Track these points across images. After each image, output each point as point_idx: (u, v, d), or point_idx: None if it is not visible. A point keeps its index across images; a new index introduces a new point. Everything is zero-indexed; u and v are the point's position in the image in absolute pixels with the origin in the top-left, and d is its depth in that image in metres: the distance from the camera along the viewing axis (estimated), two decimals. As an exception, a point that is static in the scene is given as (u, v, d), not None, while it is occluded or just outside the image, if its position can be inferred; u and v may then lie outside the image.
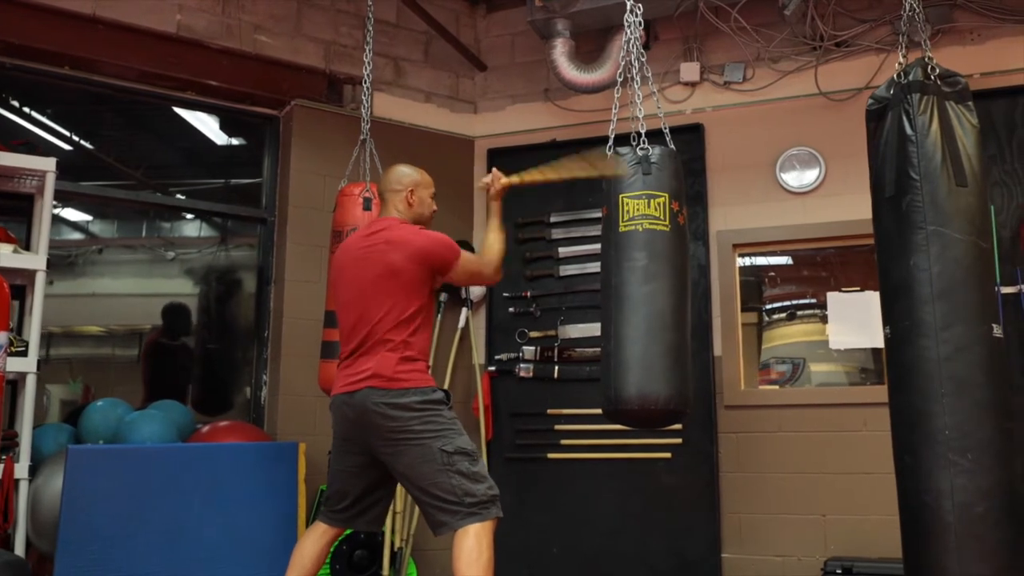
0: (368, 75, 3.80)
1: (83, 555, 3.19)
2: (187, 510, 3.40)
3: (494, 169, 3.28)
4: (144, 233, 5.87)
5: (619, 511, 4.36)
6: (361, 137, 3.77)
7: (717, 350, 4.34)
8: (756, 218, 4.39)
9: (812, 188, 4.32)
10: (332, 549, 3.88)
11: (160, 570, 3.30)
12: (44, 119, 4.44)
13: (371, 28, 3.78)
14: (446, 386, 4.59)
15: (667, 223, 2.93)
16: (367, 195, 3.49)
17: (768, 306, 4.60)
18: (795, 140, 4.36)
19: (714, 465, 4.24)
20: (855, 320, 4.19)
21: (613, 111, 3.19)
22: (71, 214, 5.43)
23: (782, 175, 4.36)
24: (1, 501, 3.27)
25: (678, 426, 4.29)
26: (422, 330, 2.89)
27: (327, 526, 2.88)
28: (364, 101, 3.77)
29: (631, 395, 2.82)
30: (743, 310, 4.47)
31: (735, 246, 4.42)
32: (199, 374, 5.04)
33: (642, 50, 3.21)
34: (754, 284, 4.62)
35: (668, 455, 4.31)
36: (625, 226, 2.94)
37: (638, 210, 2.94)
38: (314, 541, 2.85)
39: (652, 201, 2.94)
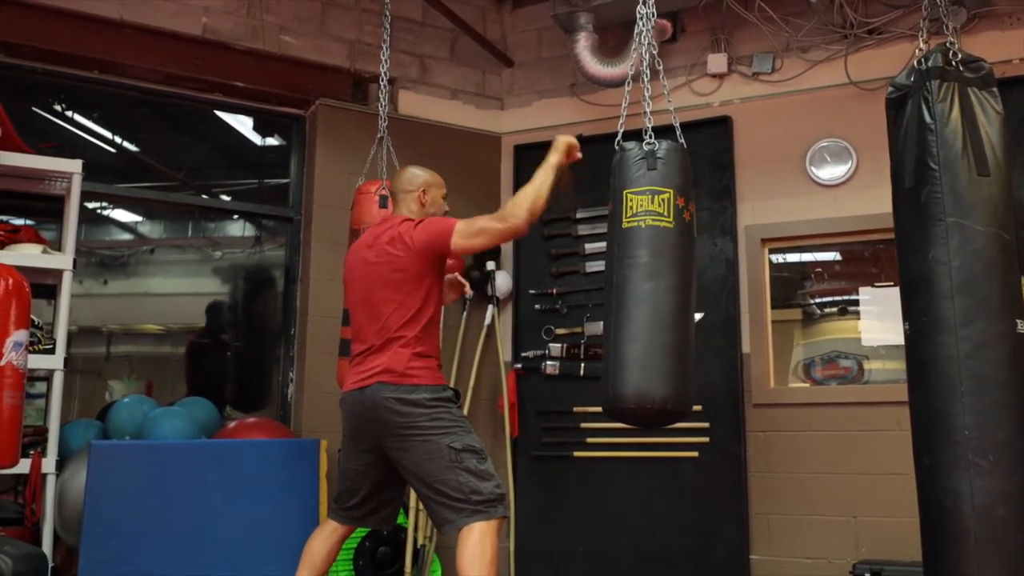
0: (385, 72, 3.80)
1: (106, 549, 3.26)
2: (208, 506, 3.45)
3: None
4: (190, 233, 6.01)
5: (645, 511, 4.30)
6: (379, 135, 3.77)
7: (745, 347, 4.25)
8: (785, 212, 4.29)
9: (843, 180, 4.20)
10: (355, 545, 3.93)
11: (181, 565, 3.36)
12: (79, 122, 4.56)
13: (388, 26, 3.78)
14: (471, 384, 4.59)
15: (671, 219, 2.86)
16: (383, 192, 3.50)
17: (813, 301, 4.48)
18: (826, 131, 4.25)
19: (742, 464, 4.15)
20: (889, 316, 4.06)
21: (623, 106, 3.13)
22: (122, 215, 5.58)
23: (812, 168, 4.25)
24: (29, 495, 3.36)
25: (705, 424, 4.23)
26: (432, 326, 2.88)
27: (337, 524, 2.89)
28: (381, 98, 3.77)
29: (628, 394, 2.76)
30: (778, 307, 4.38)
31: (764, 241, 4.33)
32: (234, 372, 5.14)
33: (654, 42, 3.15)
34: (788, 280, 4.52)
35: (695, 454, 4.24)
36: (628, 222, 2.88)
37: (641, 206, 2.87)
38: (324, 539, 2.87)
39: (656, 197, 2.87)
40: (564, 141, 3.02)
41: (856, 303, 4.25)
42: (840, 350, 4.28)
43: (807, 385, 4.27)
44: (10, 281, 2.75)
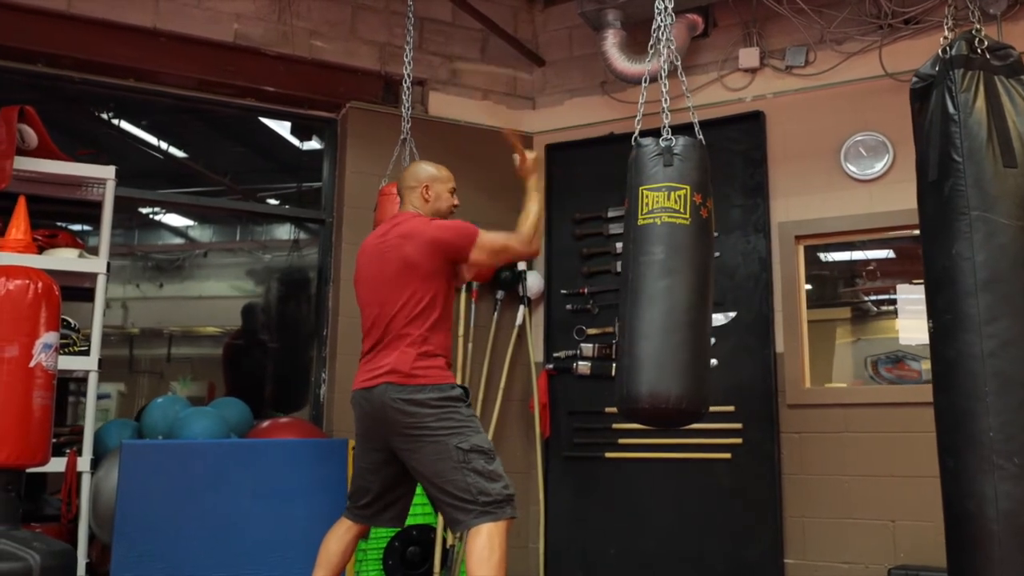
0: (408, 74, 3.82)
1: (137, 546, 3.32)
2: (236, 505, 3.49)
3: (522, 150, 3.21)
4: (238, 237, 6.14)
5: (678, 512, 4.25)
6: (401, 136, 3.79)
7: (779, 347, 4.16)
8: (820, 208, 4.19)
9: (880, 175, 4.08)
10: (384, 545, 3.95)
11: (210, 563, 3.41)
12: (117, 128, 4.68)
13: (411, 28, 3.79)
14: (502, 384, 4.58)
15: (687, 216, 2.82)
16: (403, 193, 3.50)
17: (853, 300, 4.38)
18: (861, 125, 4.14)
19: (776, 466, 4.07)
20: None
21: (640, 102, 3.10)
22: (174, 220, 5.73)
23: (847, 163, 4.14)
24: (65, 493, 3.46)
25: (738, 425, 4.16)
26: (441, 324, 2.87)
27: (351, 523, 2.91)
28: (404, 100, 3.78)
29: (642, 393, 2.72)
30: (815, 306, 4.29)
31: (798, 238, 4.23)
32: (272, 373, 5.22)
33: (672, 38, 3.11)
34: (827, 278, 4.43)
35: (728, 455, 4.16)
36: (643, 219, 2.85)
37: (657, 203, 2.84)
38: (339, 538, 2.89)
39: (672, 193, 2.83)
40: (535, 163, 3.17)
41: (894, 301, 4.13)
42: (891, 349, 4.17)
43: (843, 385, 4.17)
44: (39, 285, 2.82)
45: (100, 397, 5.30)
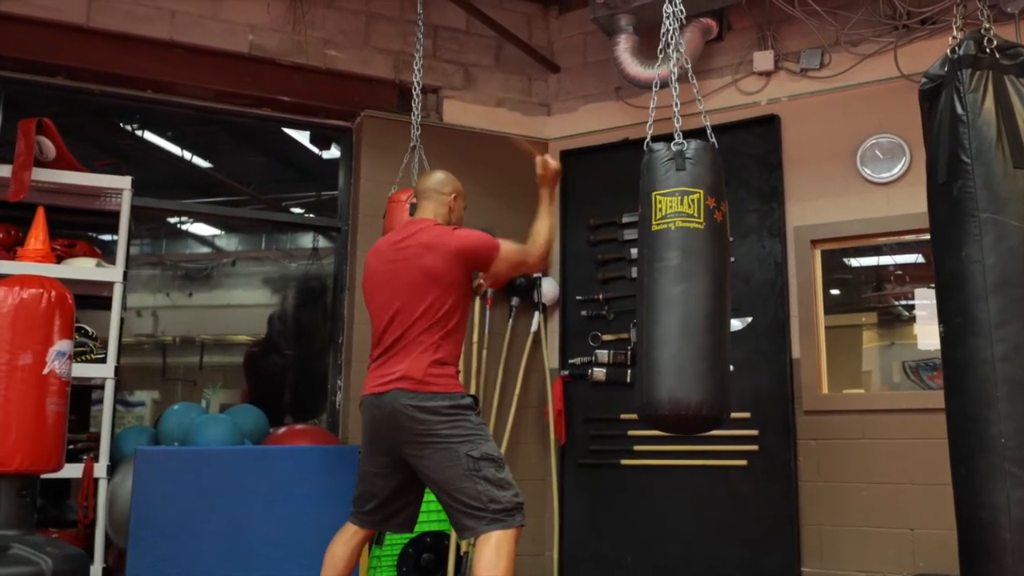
0: (418, 81, 3.83)
1: (152, 552, 3.35)
2: (249, 510, 3.51)
3: (547, 157, 3.22)
4: (263, 246, 6.21)
5: (694, 520, 4.21)
6: (412, 143, 3.80)
7: (795, 352, 4.11)
8: (836, 212, 4.14)
9: (897, 178, 4.02)
10: (398, 552, 3.96)
11: (223, 566, 3.43)
12: (137, 139, 4.76)
13: (420, 36, 3.81)
14: (517, 391, 4.57)
15: (702, 220, 2.80)
16: (413, 201, 3.51)
17: (873, 305, 4.34)
18: (877, 127, 4.09)
19: (792, 473, 4.02)
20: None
21: (651, 107, 3.09)
22: (203, 229, 5.80)
23: (863, 165, 4.09)
24: (82, 499, 3.50)
25: (754, 432, 4.12)
26: (455, 333, 2.87)
27: (357, 527, 2.91)
28: (414, 107, 3.80)
29: (662, 400, 2.71)
30: (834, 311, 4.24)
31: (814, 242, 4.18)
32: (290, 380, 5.26)
33: (681, 41, 3.10)
34: (848, 281, 4.38)
35: (744, 462, 4.12)
36: (657, 225, 2.84)
37: (671, 207, 2.83)
38: (345, 542, 2.89)
39: (686, 198, 2.82)
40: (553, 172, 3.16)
41: (913, 306, 4.08)
42: (913, 355, 4.11)
43: (861, 391, 4.11)
44: (53, 293, 2.86)
45: (134, 405, 5.40)
